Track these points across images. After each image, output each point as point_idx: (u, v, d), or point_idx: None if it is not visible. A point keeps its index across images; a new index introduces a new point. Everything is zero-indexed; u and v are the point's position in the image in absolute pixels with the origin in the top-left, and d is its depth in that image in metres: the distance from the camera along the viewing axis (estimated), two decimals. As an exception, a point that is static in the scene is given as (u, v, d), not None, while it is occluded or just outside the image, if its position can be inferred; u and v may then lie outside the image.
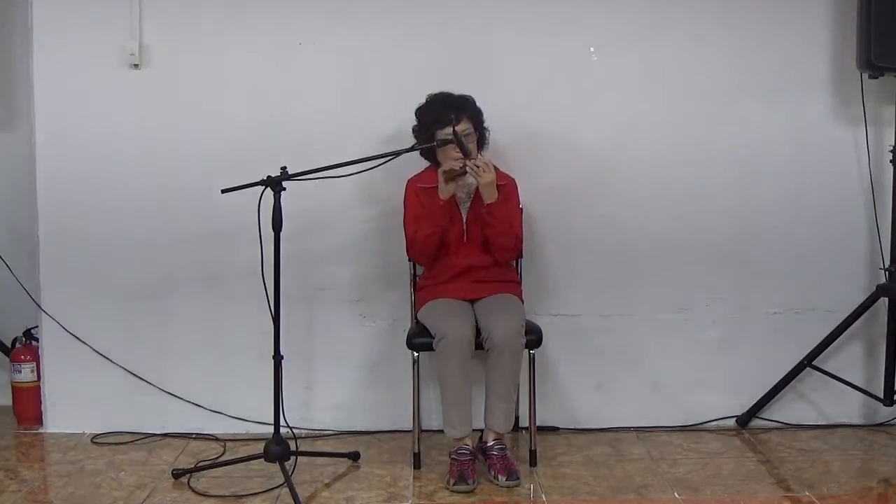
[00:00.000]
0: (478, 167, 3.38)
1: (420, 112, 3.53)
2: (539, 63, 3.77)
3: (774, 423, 3.88)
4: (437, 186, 3.44)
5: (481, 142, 3.56)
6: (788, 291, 3.87)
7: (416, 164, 3.61)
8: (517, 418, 3.73)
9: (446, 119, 3.37)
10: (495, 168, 3.47)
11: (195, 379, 3.84)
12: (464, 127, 3.42)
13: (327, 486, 3.32)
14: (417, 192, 3.54)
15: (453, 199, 3.48)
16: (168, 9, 3.72)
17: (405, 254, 3.69)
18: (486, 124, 3.57)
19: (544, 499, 3.20)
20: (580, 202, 3.82)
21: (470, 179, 3.44)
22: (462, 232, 3.54)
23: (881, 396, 3.72)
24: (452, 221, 3.52)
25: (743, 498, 3.19)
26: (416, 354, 3.47)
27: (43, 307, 3.82)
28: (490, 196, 3.43)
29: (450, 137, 3.33)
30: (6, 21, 3.94)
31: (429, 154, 3.56)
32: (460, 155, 3.37)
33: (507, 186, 3.54)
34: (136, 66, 3.73)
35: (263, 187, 3.17)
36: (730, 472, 3.42)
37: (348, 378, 3.87)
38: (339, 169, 3.26)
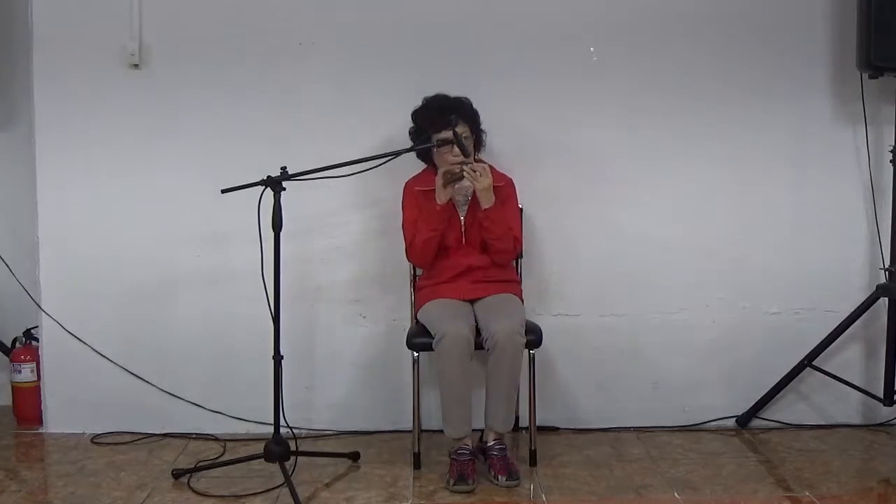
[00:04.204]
0: (475, 171, 3.37)
1: (416, 115, 3.53)
2: (538, 63, 3.76)
3: (774, 423, 3.88)
4: (434, 189, 3.44)
5: (478, 144, 3.56)
6: (788, 291, 3.87)
7: (413, 165, 3.61)
8: (517, 418, 3.74)
9: (442, 122, 3.37)
10: (492, 169, 3.47)
11: (195, 379, 3.84)
12: (461, 130, 3.41)
13: (327, 486, 3.32)
14: (415, 195, 3.54)
15: (451, 202, 3.48)
16: (168, 9, 3.73)
17: (405, 254, 3.69)
18: (483, 126, 3.56)
19: (544, 499, 3.20)
20: (580, 202, 3.82)
21: (467, 183, 3.44)
22: (460, 235, 3.54)
23: (881, 396, 3.72)
24: (451, 225, 3.51)
25: (743, 498, 3.19)
26: (416, 354, 3.47)
27: (43, 307, 3.82)
28: (487, 201, 3.43)
29: (448, 138, 3.33)
30: (6, 21, 3.94)
31: (425, 156, 3.56)
32: (457, 157, 3.37)
33: (505, 187, 3.54)
34: (136, 66, 3.73)
35: (263, 187, 3.18)
36: (730, 472, 3.42)
37: (348, 378, 3.87)
38: (338, 169, 3.26)
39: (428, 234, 3.46)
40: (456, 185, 3.43)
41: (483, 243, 3.53)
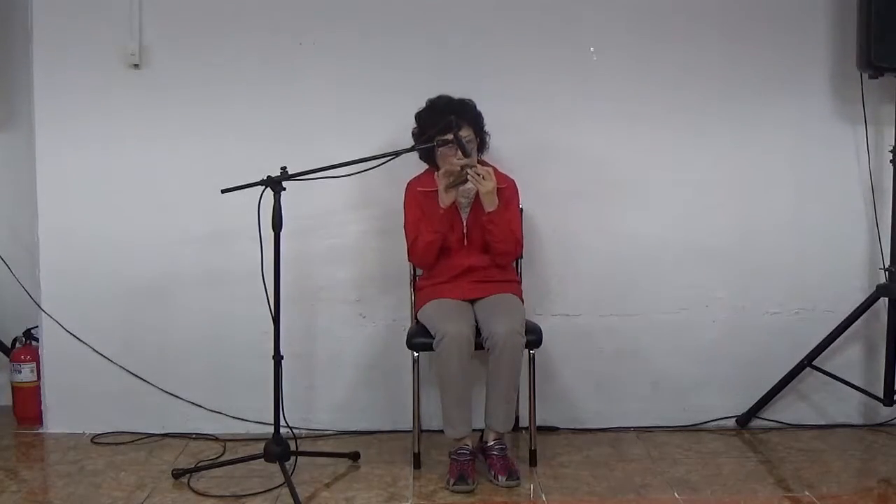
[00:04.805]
0: (479, 174, 3.37)
1: (419, 117, 3.52)
2: (540, 65, 3.76)
3: (774, 423, 3.88)
4: (437, 190, 3.44)
5: (482, 146, 3.56)
6: (788, 291, 3.88)
7: (415, 166, 3.61)
8: (517, 418, 3.73)
9: (446, 124, 3.36)
10: (495, 171, 3.47)
11: (195, 379, 3.84)
12: (464, 133, 3.40)
13: (327, 486, 3.32)
14: (417, 196, 3.54)
15: (454, 205, 3.48)
16: (168, 9, 3.72)
17: (405, 254, 3.69)
18: (486, 128, 3.56)
19: (544, 499, 3.20)
20: (580, 203, 3.82)
21: (470, 186, 3.44)
22: (462, 236, 3.54)
23: (881, 396, 3.72)
24: (453, 226, 3.51)
25: (743, 498, 3.19)
26: (416, 354, 3.47)
27: (43, 307, 3.82)
28: (490, 204, 3.42)
29: (450, 139, 3.32)
30: (6, 21, 3.94)
31: (428, 157, 3.55)
32: (461, 160, 3.35)
33: (507, 189, 3.53)
34: (136, 66, 3.73)
35: (263, 187, 3.18)
36: (730, 472, 3.42)
37: (348, 378, 3.87)
38: (338, 169, 3.26)
39: (430, 236, 3.46)
40: (459, 188, 3.43)
41: (485, 244, 3.53)
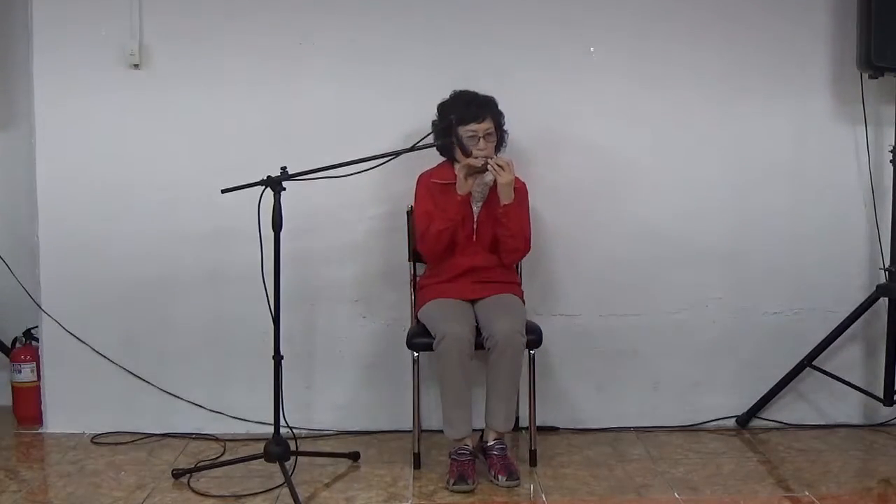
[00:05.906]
0: (499, 166, 3.38)
1: (443, 107, 3.52)
2: (542, 64, 3.76)
3: (774, 423, 3.88)
4: (452, 182, 3.44)
5: (500, 143, 3.57)
6: (788, 291, 3.88)
7: (423, 160, 3.59)
8: (517, 418, 3.73)
9: (469, 116, 3.37)
10: None
11: (195, 379, 3.84)
12: (486, 126, 3.43)
13: (327, 486, 3.32)
14: (430, 188, 3.54)
15: (468, 195, 3.48)
16: (168, 9, 3.72)
17: (405, 253, 3.69)
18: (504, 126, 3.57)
19: (544, 499, 3.20)
20: (581, 203, 3.82)
21: (488, 178, 3.44)
22: (472, 231, 3.54)
23: (881, 396, 3.72)
24: (464, 220, 3.51)
25: (743, 498, 3.19)
26: (416, 354, 3.47)
27: (43, 307, 3.82)
28: (507, 196, 3.42)
29: (470, 134, 3.35)
30: (6, 21, 3.94)
31: (446, 150, 3.55)
32: (482, 151, 3.38)
33: (520, 190, 3.53)
34: (136, 66, 3.73)
35: (263, 187, 3.17)
36: (730, 472, 3.42)
37: (348, 378, 3.88)
38: (339, 169, 3.25)
39: (442, 224, 3.45)
40: (477, 178, 3.43)
41: (492, 243, 3.53)
